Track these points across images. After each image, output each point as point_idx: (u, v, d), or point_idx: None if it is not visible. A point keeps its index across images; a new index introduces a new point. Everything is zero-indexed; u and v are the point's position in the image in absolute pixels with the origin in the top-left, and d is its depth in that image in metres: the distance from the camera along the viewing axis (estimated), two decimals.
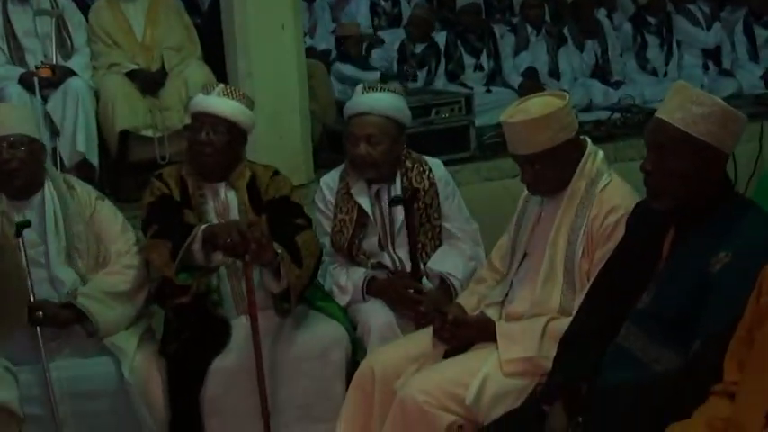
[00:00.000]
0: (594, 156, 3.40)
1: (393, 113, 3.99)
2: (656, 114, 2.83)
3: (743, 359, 2.51)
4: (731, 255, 2.67)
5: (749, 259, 2.60)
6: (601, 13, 8.47)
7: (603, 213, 3.28)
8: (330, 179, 4.15)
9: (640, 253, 2.96)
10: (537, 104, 3.35)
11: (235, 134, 3.88)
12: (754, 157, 6.06)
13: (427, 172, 4.07)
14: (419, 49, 7.64)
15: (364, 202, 4.02)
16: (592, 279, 3.20)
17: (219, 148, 3.83)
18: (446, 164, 4.28)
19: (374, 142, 3.94)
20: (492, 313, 3.49)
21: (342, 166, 4.15)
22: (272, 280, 3.71)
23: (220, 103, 3.86)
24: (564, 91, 4.35)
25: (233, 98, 3.89)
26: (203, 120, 3.84)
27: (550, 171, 3.33)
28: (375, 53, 7.98)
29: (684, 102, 2.75)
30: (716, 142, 2.74)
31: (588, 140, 3.46)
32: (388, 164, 4.01)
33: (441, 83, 7.52)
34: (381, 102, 3.98)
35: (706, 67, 8.19)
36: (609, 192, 3.32)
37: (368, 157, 3.94)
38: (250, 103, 3.96)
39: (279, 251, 3.64)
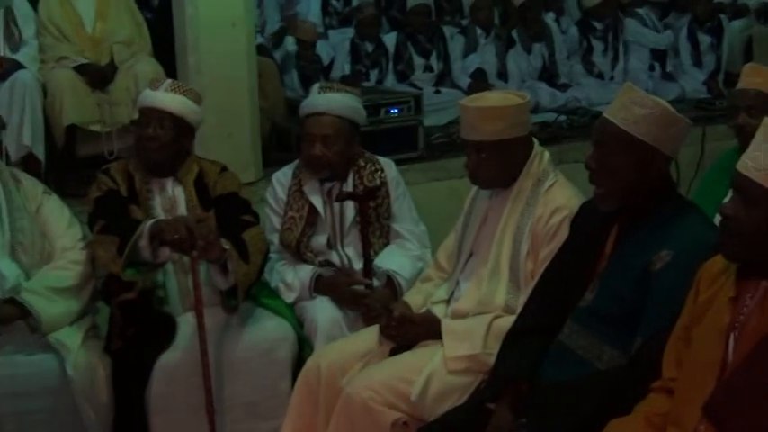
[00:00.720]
0: (541, 156, 3.46)
1: (348, 114, 4.02)
2: (603, 113, 2.89)
3: (681, 356, 2.55)
4: (672, 254, 2.72)
5: (689, 258, 2.65)
6: (548, 17, 8.55)
7: (548, 213, 3.34)
8: (282, 176, 4.17)
9: (584, 252, 3.01)
10: (497, 96, 3.49)
11: (181, 129, 3.88)
12: (695, 161, 6.14)
13: (379, 172, 4.11)
14: (370, 48, 7.66)
15: (316, 201, 4.04)
16: (536, 278, 3.25)
17: (166, 142, 3.84)
18: (395, 163, 4.30)
19: (329, 143, 3.96)
20: (438, 311, 3.52)
21: (294, 164, 4.16)
22: (219, 276, 3.70)
23: (167, 99, 3.86)
24: None
25: (180, 93, 3.90)
26: (150, 115, 3.84)
27: (495, 163, 3.38)
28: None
29: (628, 102, 2.80)
30: (656, 143, 2.79)
31: (536, 142, 3.52)
32: (343, 164, 4.03)
33: (390, 82, 7.55)
34: (337, 102, 4.00)
35: (652, 69, 8.30)
36: (554, 192, 3.38)
37: (323, 157, 3.96)
38: (198, 99, 3.96)
39: (226, 247, 3.64)
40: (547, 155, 3.50)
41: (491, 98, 3.47)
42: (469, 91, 7.05)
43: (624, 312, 2.80)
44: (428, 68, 7.66)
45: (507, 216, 3.41)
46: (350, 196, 4.01)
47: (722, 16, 8.67)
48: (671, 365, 2.59)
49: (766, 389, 2.27)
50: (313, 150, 3.96)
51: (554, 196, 3.37)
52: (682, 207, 2.89)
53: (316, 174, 4.03)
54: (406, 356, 3.40)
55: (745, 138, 3.58)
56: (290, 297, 4.01)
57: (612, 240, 2.95)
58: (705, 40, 8.42)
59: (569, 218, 3.24)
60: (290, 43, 7.71)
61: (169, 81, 3.96)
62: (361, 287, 3.99)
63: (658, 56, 8.46)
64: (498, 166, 3.40)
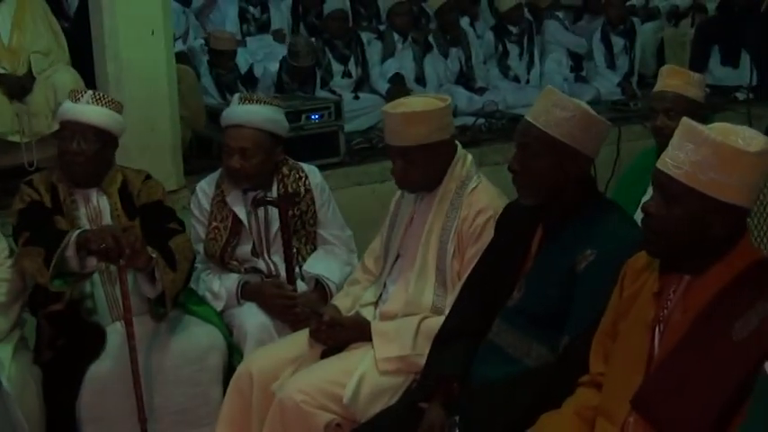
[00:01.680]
0: (464, 159, 3.52)
1: (269, 126, 4.00)
2: (525, 116, 2.96)
3: (608, 351, 2.63)
4: (595, 253, 2.80)
5: (612, 256, 2.73)
6: (464, 22, 8.65)
7: (473, 215, 3.40)
8: (206, 185, 4.16)
9: (510, 252, 3.07)
10: (419, 101, 3.51)
11: (105, 141, 3.86)
12: (612, 161, 6.25)
13: (303, 179, 4.12)
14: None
15: (239, 210, 4.04)
16: (463, 278, 3.31)
17: (91, 156, 3.80)
18: (317, 169, 4.32)
19: (248, 155, 3.94)
20: (367, 313, 3.56)
21: (217, 173, 4.15)
22: (146, 284, 3.70)
23: (89, 111, 3.82)
24: None
25: (102, 105, 3.85)
26: (73, 128, 3.80)
27: (420, 167, 3.42)
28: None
29: (549, 105, 2.88)
30: (577, 145, 2.87)
31: (459, 144, 3.57)
32: (263, 175, 4.03)
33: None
34: (257, 114, 3.99)
35: (572, 70, 8.45)
36: (478, 194, 3.44)
37: (241, 169, 3.95)
38: (119, 108, 3.93)
39: (153, 255, 3.63)
40: (470, 157, 3.55)
41: (413, 103, 3.50)
42: (388, 96, 7.10)
43: (551, 311, 2.87)
44: (347, 74, 7.68)
45: (433, 218, 3.46)
46: (267, 202, 4.01)
47: (634, 19, 8.87)
48: (598, 361, 2.66)
49: (692, 380, 2.34)
50: (231, 162, 3.95)
51: (478, 198, 3.43)
52: (603, 206, 2.97)
53: (236, 185, 4.03)
54: (337, 359, 3.43)
55: (663, 139, 3.69)
56: (218, 306, 4.01)
57: (537, 241, 3.02)
58: (618, 42, 8.61)
59: (494, 219, 3.30)
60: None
61: (90, 92, 3.91)
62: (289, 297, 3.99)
63: (574, 59, 8.62)
64: (424, 169, 3.45)
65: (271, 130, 4.01)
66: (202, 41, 7.77)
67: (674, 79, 4.23)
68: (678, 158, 2.37)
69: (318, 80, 7.38)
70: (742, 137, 2.38)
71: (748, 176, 2.36)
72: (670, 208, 2.38)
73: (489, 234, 3.29)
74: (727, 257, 2.40)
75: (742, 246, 2.43)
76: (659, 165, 2.42)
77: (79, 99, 3.85)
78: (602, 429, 2.52)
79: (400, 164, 3.45)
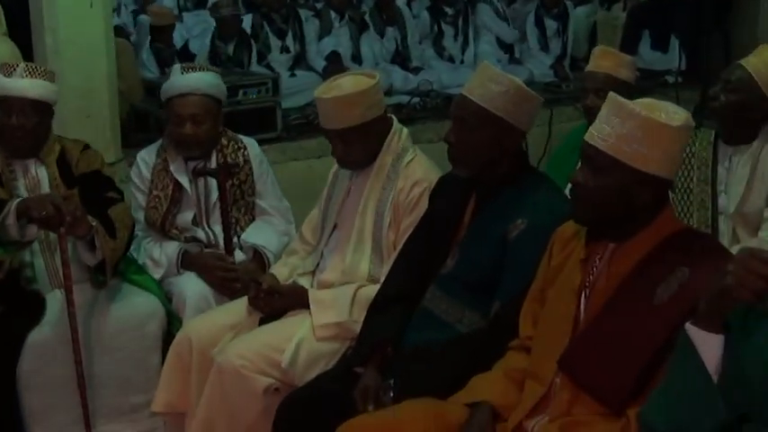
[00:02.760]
0: (400, 133, 3.61)
1: (213, 91, 4.09)
2: (462, 91, 3.06)
3: (536, 316, 2.75)
4: (526, 222, 2.92)
5: (542, 226, 2.85)
6: (401, 2, 8.74)
7: (409, 186, 3.49)
8: (146, 154, 4.20)
9: (444, 221, 3.19)
10: (349, 82, 3.53)
11: (43, 111, 3.85)
12: (543, 141, 6.40)
13: (242, 150, 4.19)
14: (230, 48, 7.66)
15: (182, 179, 4.10)
16: (398, 248, 3.41)
17: (30, 129, 3.80)
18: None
19: (199, 121, 4.01)
20: (304, 282, 3.65)
21: (158, 143, 4.21)
22: (86, 252, 3.73)
23: (25, 85, 3.79)
24: None
25: (36, 77, 3.82)
26: (11, 103, 3.78)
27: (359, 146, 3.51)
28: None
29: (485, 80, 2.99)
30: (511, 118, 2.99)
31: (394, 118, 3.66)
32: (212, 140, 4.11)
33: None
34: (202, 81, 4.06)
35: (505, 52, 8.56)
36: (413, 166, 3.53)
37: (195, 136, 4.02)
38: (53, 77, 3.89)
39: (93, 223, 3.67)
40: (405, 131, 3.64)
41: (344, 85, 3.52)
42: (325, 74, 7.16)
43: (483, 278, 2.99)
44: (285, 49, 7.73)
45: (369, 190, 3.55)
46: (206, 172, 4.08)
47: (567, 2, 9.01)
48: (527, 325, 2.79)
49: (615, 342, 2.47)
50: (184, 130, 4.01)
51: (413, 170, 3.52)
52: (535, 179, 3.10)
53: (188, 152, 4.08)
54: (275, 326, 3.50)
55: (593, 118, 3.73)
56: (157, 273, 4.06)
57: (471, 211, 3.14)
58: (552, 25, 8.74)
59: (428, 190, 3.40)
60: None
61: (23, 65, 3.87)
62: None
63: (504, 45, 8.74)
64: (363, 147, 3.53)
65: (215, 95, 4.10)
66: (147, 17, 7.74)
67: (606, 60, 4.37)
68: (605, 131, 2.49)
69: (255, 51, 7.42)
70: (665, 112, 2.51)
71: (670, 149, 2.49)
72: (597, 178, 2.50)
73: (424, 205, 3.39)
74: (649, 226, 2.53)
75: (664, 216, 2.56)
76: (587, 138, 2.54)
77: (12, 73, 3.81)
78: (530, 389, 2.64)
79: (339, 145, 3.53)
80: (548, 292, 2.73)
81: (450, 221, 3.16)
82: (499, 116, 2.97)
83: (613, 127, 2.48)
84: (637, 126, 2.45)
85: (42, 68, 3.92)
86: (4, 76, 3.82)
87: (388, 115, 3.64)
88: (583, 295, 2.60)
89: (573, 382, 2.53)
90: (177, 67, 4.17)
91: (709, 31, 7.89)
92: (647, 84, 7.50)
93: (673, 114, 2.51)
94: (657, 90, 7.30)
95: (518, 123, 3.01)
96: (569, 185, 2.65)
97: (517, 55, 8.77)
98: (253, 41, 7.56)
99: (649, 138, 2.45)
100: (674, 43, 8.21)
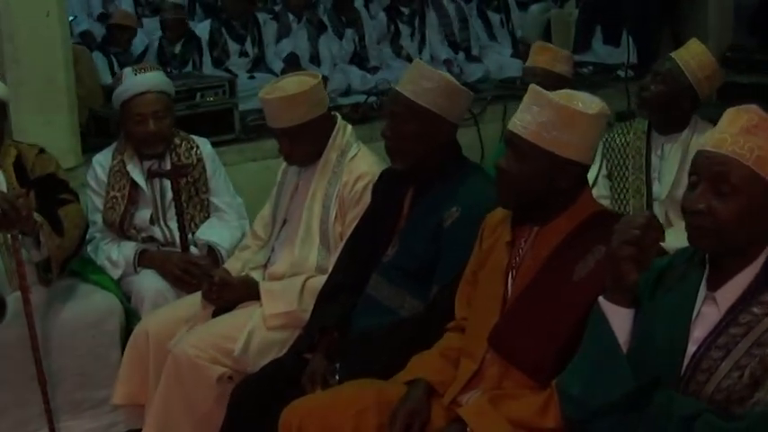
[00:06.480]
0: (344, 129, 3.75)
1: (167, 89, 4.25)
2: (394, 87, 3.21)
3: (470, 298, 2.91)
4: (460, 210, 3.08)
5: (475, 213, 3.00)
6: (358, 3, 8.87)
7: (353, 180, 3.64)
8: (102, 158, 4.32)
9: (385, 213, 3.34)
10: (292, 83, 3.69)
11: (1, 114, 3.96)
12: (498, 136, 6.51)
13: (195, 149, 4.33)
14: (177, 48, 7.79)
15: (139, 179, 4.22)
16: (344, 239, 3.56)
17: None
18: (212, 145, 4.53)
19: (160, 117, 4.15)
20: (256, 275, 3.78)
21: (113, 145, 4.33)
22: (33, 249, 3.78)
23: None
24: (324, 76, 4.66)
25: None
26: None
27: (305, 143, 3.66)
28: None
29: (416, 76, 3.15)
30: (442, 112, 3.15)
31: (338, 115, 3.81)
32: (171, 137, 4.25)
33: (207, 68, 7.71)
34: (156, 79, 4.21)
35: (456, 50, 8.70)
36: (357, 161, 3.68)
37: (159, 132, 4.16)
38: (2, 76, 4.00)
39: (38, 219, 3.72)
40: (349, 128, 3.79)
41: (287, 86, 3.67)
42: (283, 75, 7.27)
43: (422, 265, 3.14)
44: (243, 54, 7.85)
45: (316, 185, 3.69)
46: (160, 174, 4.20)
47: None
48: (462, 306, 2.94)
49: (539, 318, 2.62)
50: (147, 128, 4.13)
51: (357, 165, 3.66)
52: (468, 169, 3.26)
53: (152, 149, 4.19)
54: (228, 317, 3.63)
55: None
56: (115, 273, 4.16)
57: (409, 201, 3.29)
58: (495, 17, 8.89)
59: (372, 183, 3.55)
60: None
61: None
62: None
63: (455, 45, 8.88)
64: (308, 145, 3.68)
65: (169, 92, 4.26)
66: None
67: (543, 55, 4.54)
68: (526, 120, 2.64)
69: (207, 54, 7.53)
70: (582, 101, 2.67)
71: (587, 135, 2.65)
72: (519, 164, 2.65)
73: (368, 198, 3.54)
74: (569, 209, 2.69)
75: (583, 199, 2.72)
76: (510, 126, 2.69)
77: None
78: (464, 367, 2.78)
79: (286, 143, 3.68)
80: (479, 275, 2.87)
81: (390, 213, 3.31)
82: (431, 110, 3.12)
83: (534, 115, 2.63)
84: (555, 114, 2.61)
85: None
86: None
87: (332, 113, 3.78)
88: (510, 276, 2.75)
89: (502, 358, 2.68)
90: (128, 69, 4.30)
91: (658, 26, 8.08)
92: (599, 79, 7.66)
93: (589, 103, 2.67)
94: (610, 84, 7.41)
95: (449, 116, 3.17)
96: None
97: (475, 52, 8.91)
98: (207, 46, 7.67)
99: (567, 125, 2.60)
100: (626, 38, 8.35)
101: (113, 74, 7.10)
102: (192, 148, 4.32)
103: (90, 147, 5.55)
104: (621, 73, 7.93)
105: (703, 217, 2.15)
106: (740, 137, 2.16)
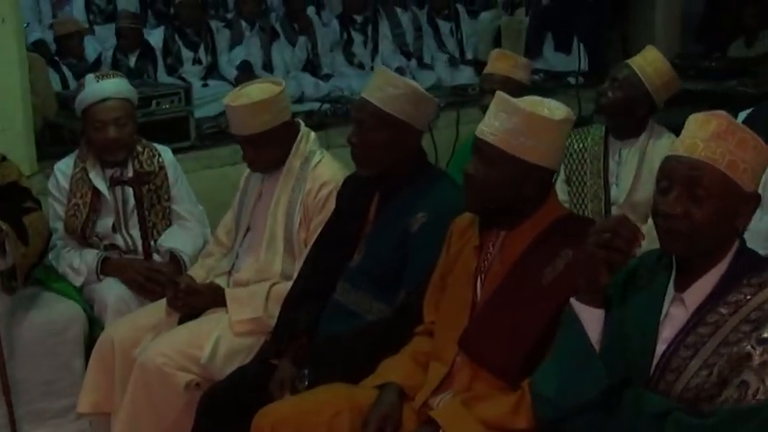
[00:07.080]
0: (307, 137, 3.78)
1: (130, 95, 4.24)
2: (361, 94, 3.25)
3: (438, 302, 2.94)
4: (427, 215, 3.11)
5: (441, 218, 3.04)
6: (311, 11, 8.89)
7: (317, 187, 3.66)
8: (64, 165, 4.30)
9: (350, 219, 3.37)
10: (256, 90, 3.70)
11: None
12: (451, 142, 6.57)
13: (157, 156, 4.32)
14: (132, 60, 7.74)
15: (101, 186, 4.20)
16: (309, 245, 3.58)
17: None
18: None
19: (122, 123, 4.13)
20: (221, 282, 3.78)
21: (75, 153, 4.31)
22: None
23: None
24: None
25: None
26: None
27: (269, 150, 3.67)
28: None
29: (383, 84, 3.19)
30: (409, 119, 3.19)
31: (302, 123, 3.84)
32: (133, 144, 4.23)
33: (161, 76, 7.69)
34: (118, 86, 4.20)
35: (408, 59, 8.76)
36: (321, 168, 3.71)
37: (120, 139, 4.13)
38: None
39: (3, 227, 3.72)
40: (313, 135, 3.81)
41: (251, 94, 3.68)
42: (237, 83, 7.24)
43: (388, 270, 3.18)
44: (197, 61, 7.83)
45: (280, 192, 3.71)
46: (122, 182, 4.19)
47: (459, 6, 9.25)
48: (430, 310, 2.98)
49: (508, 321, 2.67)
50: (108, 134, 4.11)
51: (321, 172, 3.69)
52: (433, 175, 3.30)
53: (114, 156, 4.18)
54: (194, 324, 3.64)
55: None
56: (78, 281, 4.15)
57: (375, 207, 3.32)
58: (444, 26, 8.97)
59: (336, 190, 3.58)
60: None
61: None
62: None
63: (407, 53, 8.94)
64: (272, 152, 3.69)
65: (131, 99, 4.24)
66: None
67: (502, 62, 4.60)
68: (493, 126, 2.69)
69: (160, 63, 7.51)
70: (548, 107, 2.72)
71: (553, 141, 2.70)
72: (486, 170, 2.69)
73: (332, 204, 3.57)
74: (536, 214, 2.74)
75: (549, 203, 2.77)
76: (477, 132, 2.74)
77: None
78: (434, 370, 2.82)
79: (250, 150, 3.69)
80: (447, 279, 2.91)
81: (356, 219, 3.34)
82: (397, 117, 3.16)
83: (501, 122, 2.68)
84: (522, 120, 2.65)
85: None
86: None
87: (296, 120, 3.81)
88: (479, 280, 2.80)
89: (472, 360, 2.72)
90: (90, 76, 4.28)
91: (606, 33, 8.20)
92: (550, 85, 7.76)
93: (555, 109, 2.73)
94: (560, 91, 7.49)
95: (415, 123, 3.21)
96: None
97: (427, 60, 8.96)
98: (161, 54, 7.65)
99: (533, 131, 2.65)
100: (577, 45, 8.46)
101: (65, 86, 7.07)
102: (154, 155, 4.31)
103: (44, 155, 5.54)
104: (572, 80, 8.06)
105: (679, 221, 2.21)
106: (712, 142, 2.23)
